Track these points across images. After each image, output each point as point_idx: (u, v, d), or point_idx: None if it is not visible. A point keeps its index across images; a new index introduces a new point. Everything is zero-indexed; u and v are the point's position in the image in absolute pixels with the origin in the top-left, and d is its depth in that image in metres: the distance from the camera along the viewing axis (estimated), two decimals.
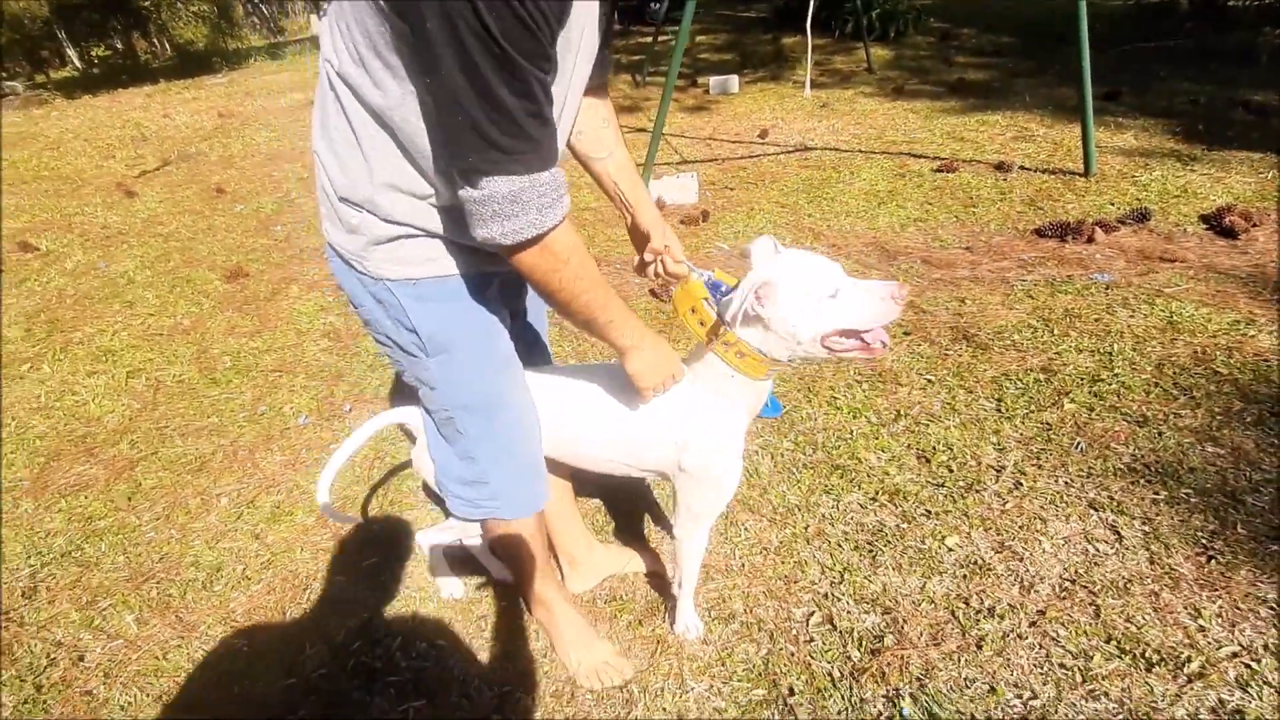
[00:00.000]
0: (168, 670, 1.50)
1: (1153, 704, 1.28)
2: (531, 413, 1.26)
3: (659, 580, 1.62)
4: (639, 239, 1.29)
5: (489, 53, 0.77)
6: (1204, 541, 1.58)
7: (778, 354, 1.16)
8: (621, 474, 1.38)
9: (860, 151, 4.48)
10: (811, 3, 5.00)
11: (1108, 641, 1.39)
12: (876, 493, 1.81)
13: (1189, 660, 1.34)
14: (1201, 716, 1.25)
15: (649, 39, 8.21)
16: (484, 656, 1.49)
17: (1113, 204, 3.35)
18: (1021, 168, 3.90)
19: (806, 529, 1.72)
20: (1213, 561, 1.53)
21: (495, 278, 1.13)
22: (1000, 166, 3.92)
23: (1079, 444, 1.90)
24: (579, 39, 0.91)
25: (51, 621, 1.64)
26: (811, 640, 1.45)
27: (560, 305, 1.03)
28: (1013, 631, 1.43)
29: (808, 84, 5.01)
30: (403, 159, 0.95)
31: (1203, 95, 4.86)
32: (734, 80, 6.55)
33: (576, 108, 1.05)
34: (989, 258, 3.00)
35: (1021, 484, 1.79)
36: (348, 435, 1.43)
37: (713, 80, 6.53)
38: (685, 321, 1.20)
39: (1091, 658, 1.36)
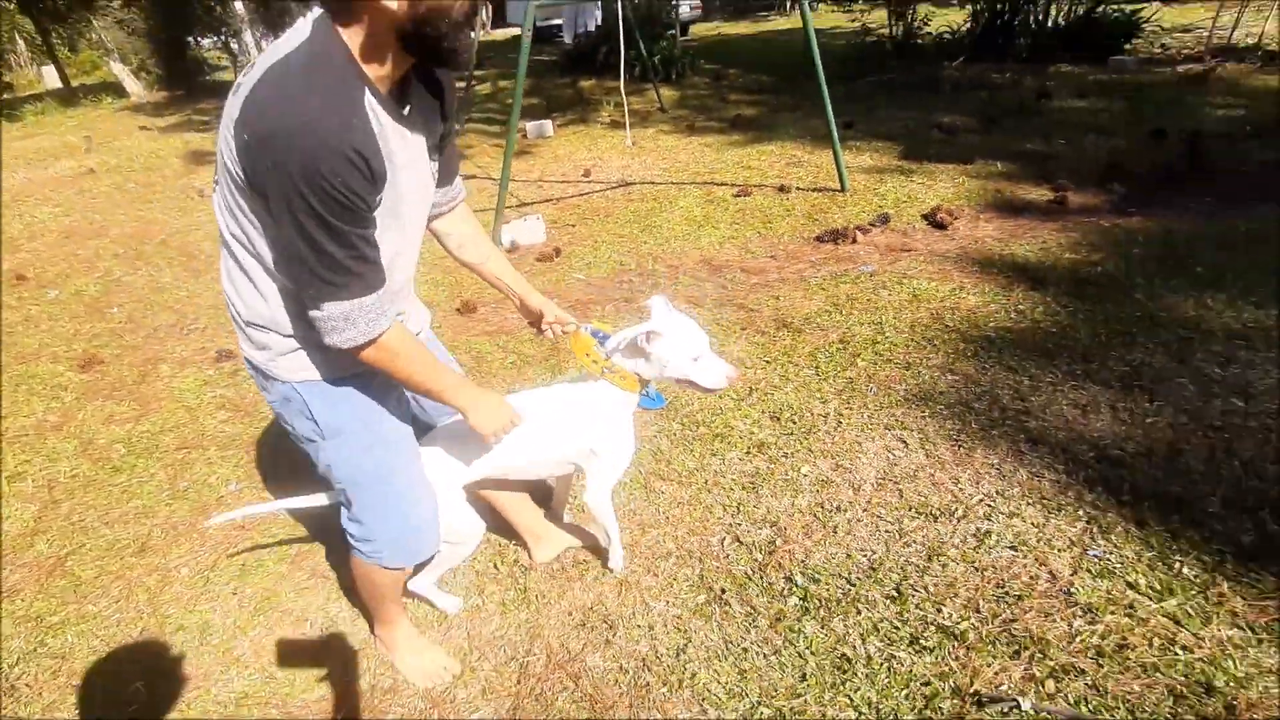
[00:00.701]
0: (210, 707, 1.65)
1: (940, 540, 1.95)
2: (418, 480, 1.51)
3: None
4: (530, 314, 1.71)
5: (319, 225, 1.05)
6: (954, 437, 2.34)
7: (647, 375, 1.65)
8: (558, 472, 1.83)
9: (673, 183, 5.22)
10: (622, 55, 5.63)
11: (910, 510, 2.07)
12: (748, 448, 2.39)
13: (956, 510, 2.04)
14: (969, 540, 1.94)
15: (461, 86, 8.50)
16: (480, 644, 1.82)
17: (864, 212, 4.34)
18: (797, 188, 4.85)
19: (705, 482, 2.25)
20: (961, 449, 2.29)
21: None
22: (782, 189, 4.83)
23: (872, 388, 2.63)
24: (408, 187, 1.21)
25: (53, 706, 1.68)
26: (728, 555, 1.97)
27: (402, 384, 1.34)
28: (854, 518, 2.06)
29: (628, 135, 5.65)
30: (277, 288, 1.24)
31: (909, 120, 6.27)
32: (548, 125, 7.09)
33: (421, 225, 1.36)
34: (788, 262, 3.79)
35: (841, 422, 2.47)
36: (283, 493, 1.67)
37: (529, 125, 7.01)
38: (583, 363, 1.65)
39: (903, 523, 2.02)
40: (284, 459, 2.54)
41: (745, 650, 1.70)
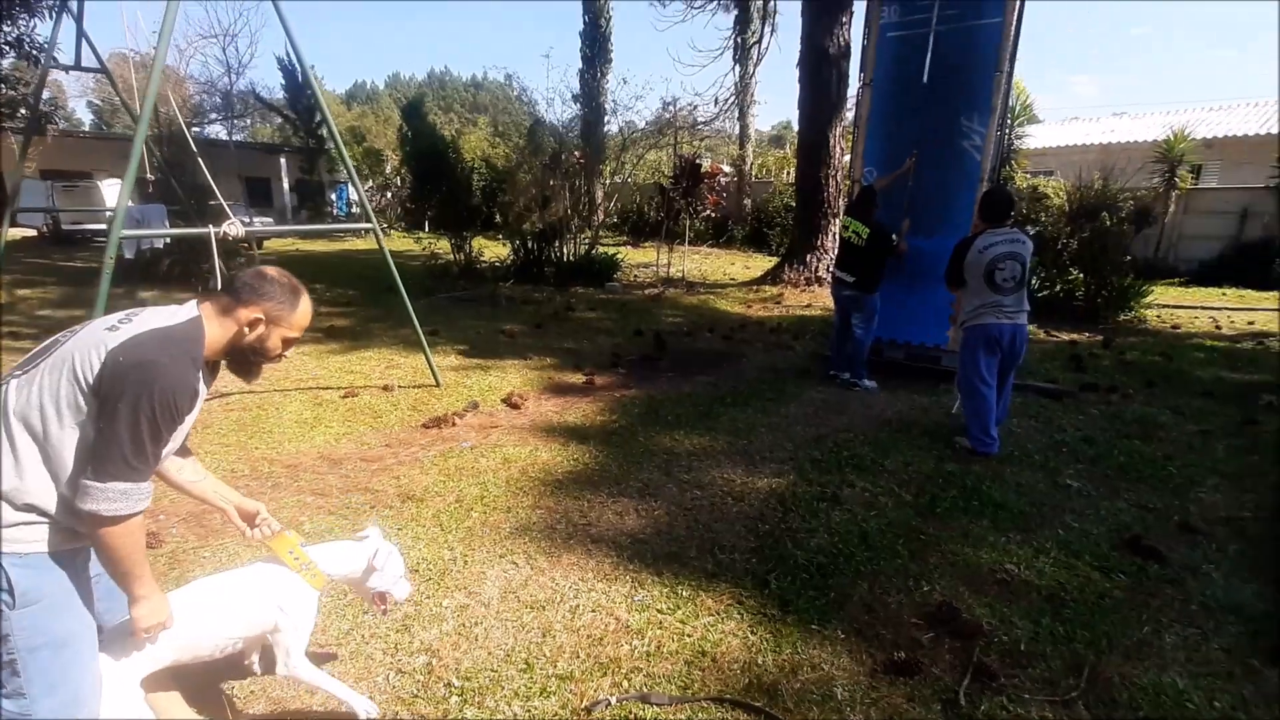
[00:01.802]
0: None
1: (549, 621, 2.63)
2: (93, 655, 1.59)
3: None
4: (247, 516, 2.03)
5: (151, 428, 1.44)
6: (548, 550, 3.14)
7: (340, 575, 2.08)
8: (246, 646, 1.99)
9: (276, 391, 5.26)
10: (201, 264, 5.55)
11: (526, 608, 2.72)
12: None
13: (556, 598, 2.78)
14: (567, 614, 2.67)
15: None
16: None
17: (458, 401, 5.20)
18: (400, 386, 5.47)
19: (363, 637, 2.51)
20: (553, 557, 3.08)
21: (83, 550, 1.64)
22: (386, 387, 5.39)
23: (485, 530, 3.29)
24: (190, 421, 1.62)
25: None
26: (394, 685, 2.28)
27: (111, 557, 1.51)
28: (489, 626, 2.59)
29: None
30: (43, 467, 1.49)
31: (481, 327, 7.64)
32: None
33: (180, 443, 1.72)
34: (403, 448, 4.30)
35: (468, 561, 3.04)
36: None
37: None
38: (286, 560, 1.98)
39: (523, 618, 2.65)
40: None
41: None
